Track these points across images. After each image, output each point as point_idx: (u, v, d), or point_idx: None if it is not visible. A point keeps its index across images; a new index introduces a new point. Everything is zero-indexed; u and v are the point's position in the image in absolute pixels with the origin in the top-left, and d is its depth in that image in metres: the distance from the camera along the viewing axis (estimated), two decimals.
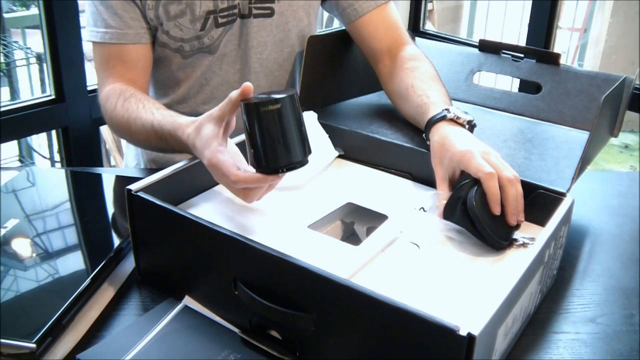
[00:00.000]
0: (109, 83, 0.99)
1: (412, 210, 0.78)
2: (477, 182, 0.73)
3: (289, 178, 0.85)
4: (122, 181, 0.97)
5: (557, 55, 1.01)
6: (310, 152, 0.71)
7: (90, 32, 1.00)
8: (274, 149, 0.68)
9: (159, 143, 0.89)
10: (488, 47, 1.06)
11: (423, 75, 0.95)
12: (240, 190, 0.72)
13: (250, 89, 0.69)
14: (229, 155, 0.72)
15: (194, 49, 1.03)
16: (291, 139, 0.68)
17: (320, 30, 1.19)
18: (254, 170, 0.70)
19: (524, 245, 0.73)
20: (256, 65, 1.07)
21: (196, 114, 1.08)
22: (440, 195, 0.77)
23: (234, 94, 0.70)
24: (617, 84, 0.85)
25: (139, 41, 0.99)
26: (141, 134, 0.91)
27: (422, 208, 0.78)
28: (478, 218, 0.71)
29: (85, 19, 1.04)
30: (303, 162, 0.70)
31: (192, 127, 0.78)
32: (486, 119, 0.98)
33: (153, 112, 0.89)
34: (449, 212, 0.74)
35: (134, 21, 0.98)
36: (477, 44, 1.07)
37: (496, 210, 0.71)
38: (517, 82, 1.84)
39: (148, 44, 1.01)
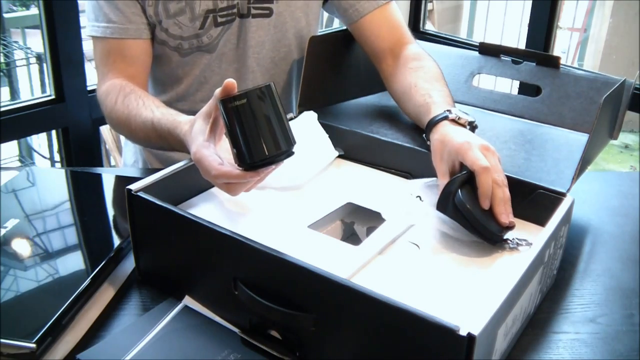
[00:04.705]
0: (109, 78, 0.99)
1: (408, 197, 0.78)
2: (467, 176, 0.73)
3: (289, 178, 0.85)
4: (122, 181, 0.97)
5: (557, 58, 1.01)
6: (294, 142, 0.69)
7: (91, 27, 1.00)
8: (247, 144, 0.67)
9: (158, 141, 0.89)
10: (488, 50, 1.06)
11: (426, 75, 0.95)
12: (223, 185, 0.71)
13: (232, 86, 0.69)
14: (216, 150, 0.72)
15: (192, 47, 1.03)
16: (265, 132, 0.67)
17: (320, 30, 1.19)
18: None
19: (517, 248, 0.73)
20: (254, 65, 1.07)
21: (195, 111, 1.08)
22: (440, 187, 0.77)
23: (218, 91, 0.70)
24: (616, 86, 0.85)
25: (139, 36, 0.99)
26: (141, 131, 0.91)
27: (419, 197, 0.78)
28: (470, 212, 0.71)
29: (86, 16, 1.04)
30: (286, 154, 0.69)
31: (188, 125, 0.78)
32: (486, 121, 0.98)
33: (153, 110, 0.89)
34: (442, 207, 0.74)
35: (135, 16, 0.98)
36: (477, 44, 1.07)
37: (485, 204, 0.71)
38: (516, 85, 1.84)
39: (148, 39, 1.01)
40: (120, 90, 0.95)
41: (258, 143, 0.67)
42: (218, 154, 0.71)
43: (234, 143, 0.68)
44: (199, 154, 0.71)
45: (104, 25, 0.98)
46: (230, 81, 0.69)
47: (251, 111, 0.67)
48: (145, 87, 1.03)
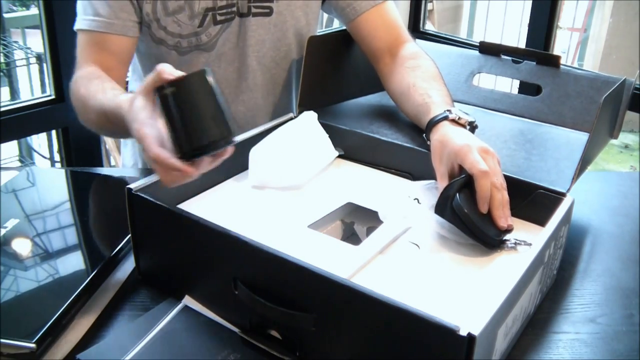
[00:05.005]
0: (83, 67, 0.96)
1: (406, 199, 0.78)
2: (465, 180, 0.73)
3: (289, 178, 0.85)
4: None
5: (557, 58, 1.01)
6: (232, 130, 0.66)
7: (79, 20, 0.99)
8: (181, 132, 0.64)
9: (110, 126, 0.86)
10: (488, 50, 1.06)
11: (425, 74, 0.95)
12: (159, 170, 0.67)
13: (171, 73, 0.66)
14: (162, 128, 0.68)
15: (191, 45, 1.03)
16: (198, 120, 0.64)
17: (320, 30, 1.19)
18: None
19: (515, 248, 0.73)
20: (254, 63, 1.07)
21: None
22: (439, 190, 0.77)
23: (165, 68, 0.66)
24: (616, 86, 0.85)
25: (125, 33, 0.98)
26: (95, 116, 0.89)
27: (417, 199, 0.78)
28: (467, 216, 0.71)
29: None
30: (224, 141, 0.66)
31: (128, 103, 0.73)
32: (486, 120, 0.98)
33: (105, 92, 0.86)
34: (440, 210, 0.74)
35: (123, 13, 0.97)
36: (477, 44, 1.07)
37: (483, 209, 0.72)
38: (516, 84, 1.84)
39: (134, 37, 1.00)
40: (87, 75, 0.93)
41: (191, 131, 0.64)
42: (163, 134, 0.67)
43: (169, 132, 0.65)
44: (141, 132, 0.67)
45: (91, 18, 0.97)
46: (170, 69, 0.66)
47: (183, 99, 0.64)
48: (120, 81, 0.99)
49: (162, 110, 0.65)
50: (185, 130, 0.64)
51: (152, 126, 0.67)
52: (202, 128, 0.65)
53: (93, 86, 0.90)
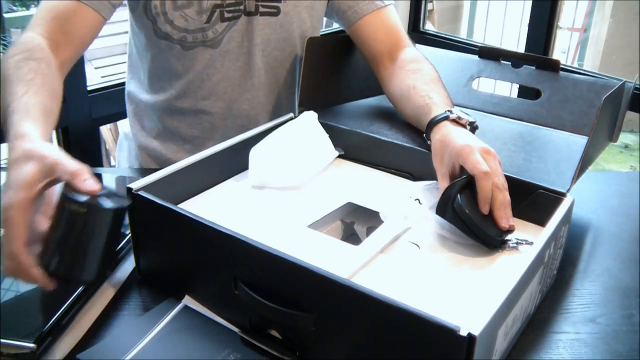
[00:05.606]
0: (34, 32, 0.88)
1: (407, 199, 0.78)
2: (467, 181, 0.73)
3: (289, 178, 0.85)
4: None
5: (557, 62, 1.01)
6: (103, 277, 0.62)
7: None
8: (56, 253, 0.60)
9: (1, 124, 0.74)
10: (487, 54, 1.06)
11: (425, 77, 0.95)
12: (8, 262, 0.59)
13: (93, 190, 0.60)
14: (40, 210, 0.61)
15: (196, 41, 1.02)
16: (82, 256, 0.60)
17: (320, 30, 1.20)
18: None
19: (516, 247, 0.73)
20: (259, 62, 1.07)
21: (196, 109, 1.08)
22: (440, 191, 0.77)
23: (82, 173, 0.60)
24: (616, 87, 0.86)
25: (99, 10, 0.93)
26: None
27: (418, 200, 0.78)
28: (469, 217, 0.71)
29: None
30: (86, 285, 0.64)
31: (19, 153, 0.62)
32: (486, 123, 0.98)
33: (26, 93, 0.74)
34: (442, 211, 0.74)
35: None
36: (477, 44, 1.07)
37: (485, 209, 0.72)
38: (515, 89, 1.84)
39: (103, 19, 0.94)
40: (28, 50, 0.83)
41: (71, 261, 0.61)
42: (35, 224, 0.60)
43: (48, 238, 0.60)
44: (13, 214, 0.58)
45: None
46: (88, 175, 0.61)
47: (85, 224, 0.59)
48: (65, 64, 0.92)
49: (56, 219, 0.59)
50: (64, 253, 0.60)
51: (27, 213, 0.58)
52: (82, 264, 0.61)
53: (23, 71, 0.78)
